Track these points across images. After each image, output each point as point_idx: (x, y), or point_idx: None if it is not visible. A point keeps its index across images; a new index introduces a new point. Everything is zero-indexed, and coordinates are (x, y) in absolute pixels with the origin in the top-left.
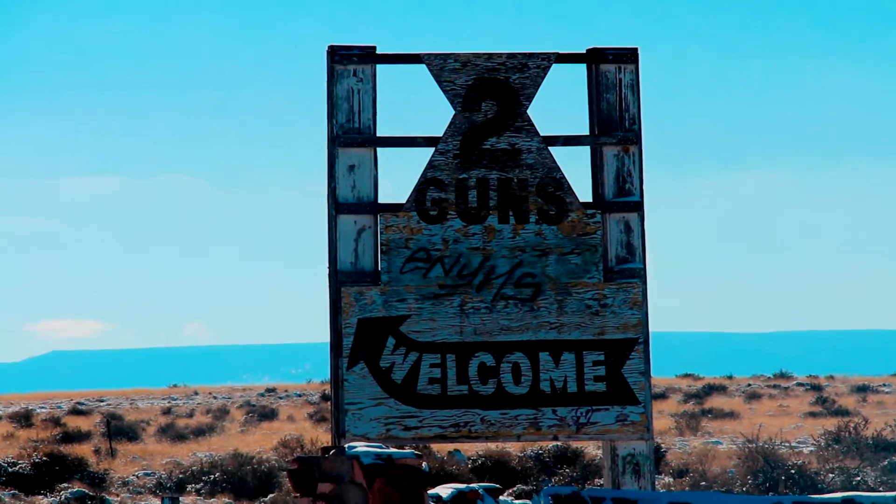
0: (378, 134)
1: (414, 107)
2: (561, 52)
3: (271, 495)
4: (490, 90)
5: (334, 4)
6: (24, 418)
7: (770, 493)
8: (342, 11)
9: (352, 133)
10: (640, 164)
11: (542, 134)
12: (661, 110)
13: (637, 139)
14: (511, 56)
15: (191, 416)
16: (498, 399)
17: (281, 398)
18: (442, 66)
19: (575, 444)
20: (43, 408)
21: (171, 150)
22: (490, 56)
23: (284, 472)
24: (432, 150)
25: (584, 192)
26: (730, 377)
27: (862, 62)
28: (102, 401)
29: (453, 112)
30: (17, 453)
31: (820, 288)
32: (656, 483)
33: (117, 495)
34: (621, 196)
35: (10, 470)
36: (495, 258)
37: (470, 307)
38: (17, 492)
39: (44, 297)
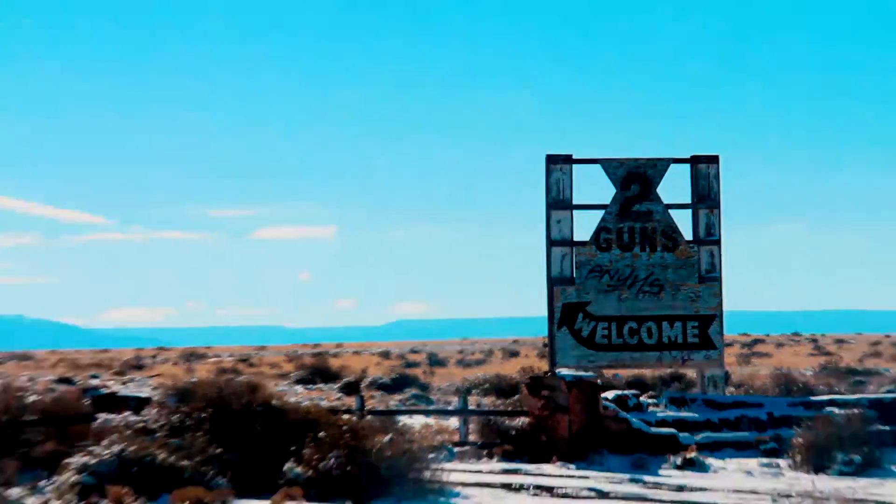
0: (574, 202)
1: (591, 187)
2: (675, 157)
3: (516, 396)
4: (636, 178)
5: (544, 122)
6: (384, 355)
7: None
8: (549, 125)
9: (559, 202)
10: (720, 218)
11: (665, 202)
12: (735, 184)
13: (718, 205)
14: (648, 160)
15: (473, 355)
16: (639, 346)
17: (522, 346)
18: (608, 165)
19: (681, 371)
20: (394, 350)
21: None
22: (636, 160)
23: (523, 384)
24: (602, 211)
25: (687, 234)
26: (767, 335)
27: None
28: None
29: (615, 190)
30: (384, 372)
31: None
32: (726, 391)
33: (436, 395)
34: (708, 237)
35: (378, 382)
36: (638, 270)
37: (624, 297)
38: (384, 393)
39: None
